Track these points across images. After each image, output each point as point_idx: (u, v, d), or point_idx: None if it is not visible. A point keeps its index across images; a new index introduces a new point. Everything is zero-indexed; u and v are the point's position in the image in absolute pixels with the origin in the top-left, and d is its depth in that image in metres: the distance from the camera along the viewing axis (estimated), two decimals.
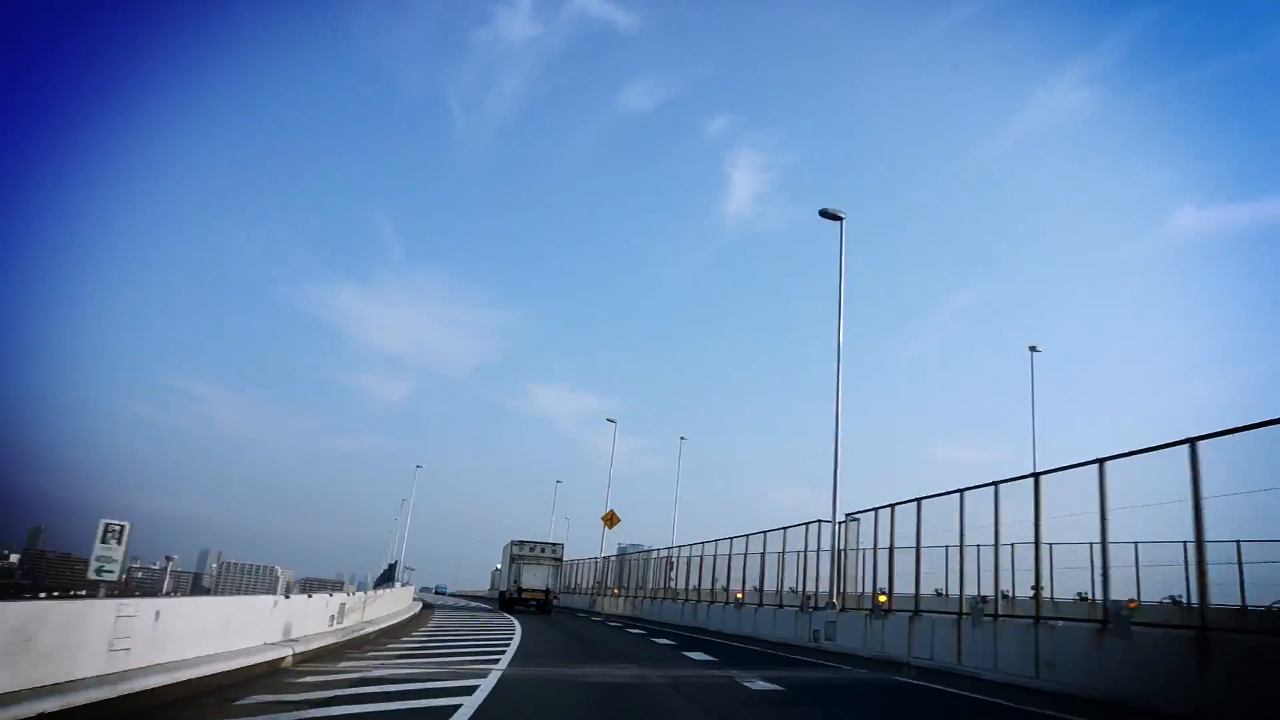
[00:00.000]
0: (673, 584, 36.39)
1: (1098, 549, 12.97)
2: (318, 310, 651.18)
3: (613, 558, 51.18)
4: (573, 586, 54.29)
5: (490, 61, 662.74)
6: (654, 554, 42.11)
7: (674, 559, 37.45)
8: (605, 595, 47.12)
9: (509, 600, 39.02)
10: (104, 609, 7.55)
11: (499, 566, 41.71)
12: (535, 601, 38.42)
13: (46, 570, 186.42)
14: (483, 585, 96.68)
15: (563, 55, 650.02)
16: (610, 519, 49.48)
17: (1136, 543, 13.91)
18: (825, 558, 22.18)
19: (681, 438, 58.93)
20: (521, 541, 40.09)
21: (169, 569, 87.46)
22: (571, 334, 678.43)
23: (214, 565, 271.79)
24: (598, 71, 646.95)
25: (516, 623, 26.65)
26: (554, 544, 40.97)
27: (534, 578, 38.81)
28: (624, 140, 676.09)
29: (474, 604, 55.78)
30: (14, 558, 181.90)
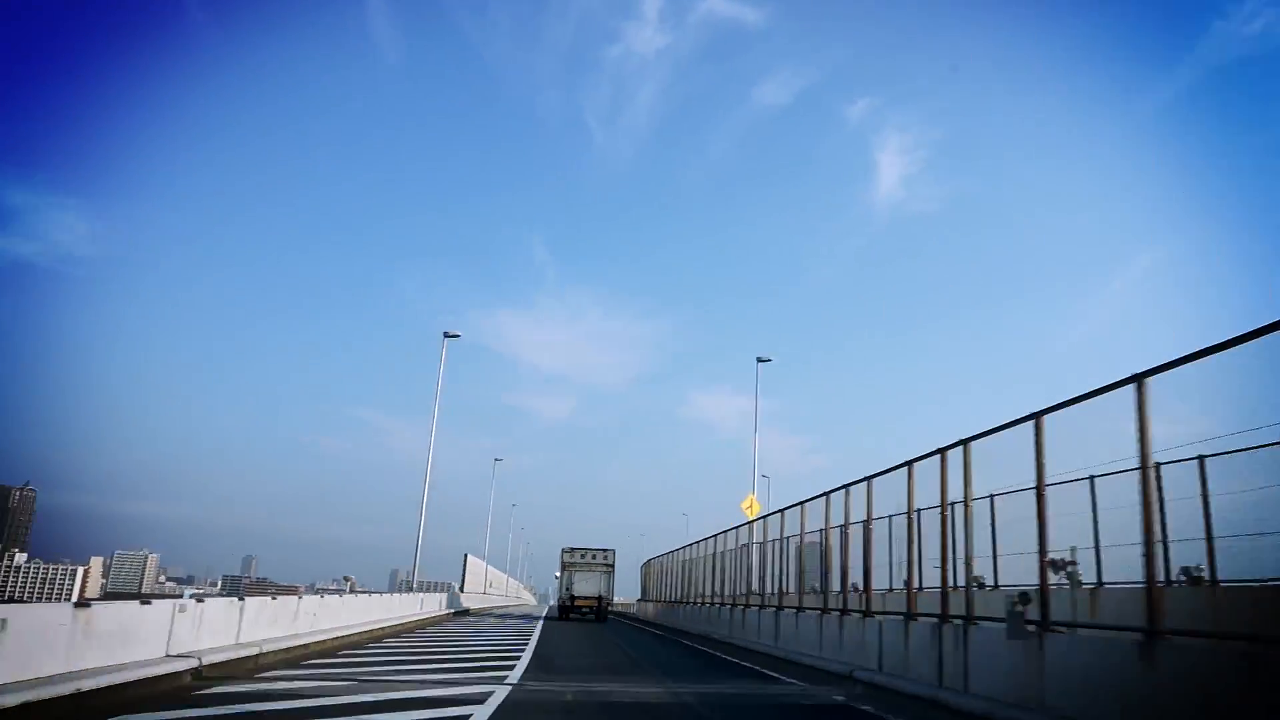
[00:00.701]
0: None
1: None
2: (481, 336, 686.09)
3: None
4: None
5: (623, 76, 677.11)
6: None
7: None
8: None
9: (564, 608, 38.96)
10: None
11: (558, 575, 40.70)
12: (588, 609, 38.30)
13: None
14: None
15: (693, 60, 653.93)
16: (750, 504, 46.87)
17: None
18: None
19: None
20: (573, 549, 39.78)
21: (346, 588, 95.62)
22: (726, 337, 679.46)
23: (400, 581, 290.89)
24: (730, 71, 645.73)
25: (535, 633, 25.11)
26: (605, 550, 39.97)
27: (586, 584, 38.87)
28: (763, 137, 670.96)
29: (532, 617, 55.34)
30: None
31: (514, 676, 12.21)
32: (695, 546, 34.12)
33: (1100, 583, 11.00)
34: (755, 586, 23.78)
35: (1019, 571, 10.63)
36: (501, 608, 58.10)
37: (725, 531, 28.67)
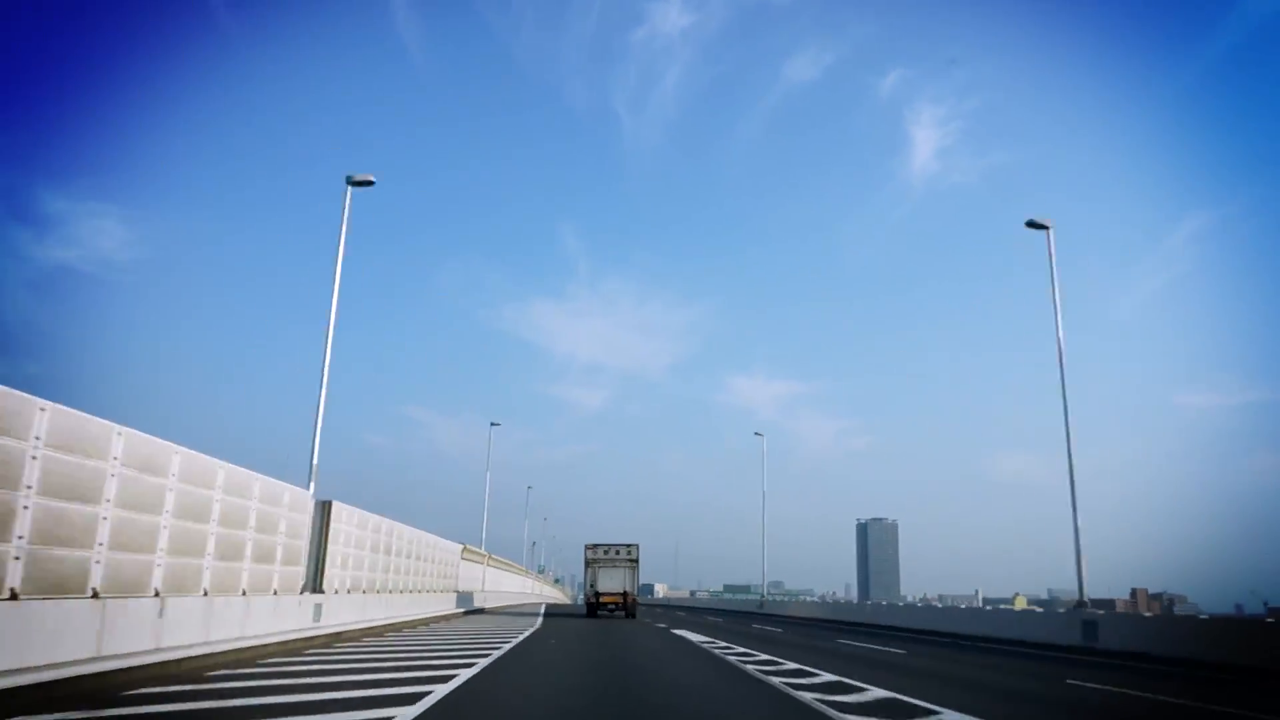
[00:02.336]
0: None
1: None
2: (518, 329, 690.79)
3: None
4: None
5: (649, 59, 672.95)
6: None
7: None
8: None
9: (590, 605, 37.93)
10: None
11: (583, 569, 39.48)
12: (615, 605, 37.13)
13: None
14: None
15: (720, 39, 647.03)
16: None
17: None
18: None
19: None
20: (595, 545, 38.19)
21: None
22: (760, 321, 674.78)
23: None
24: (758, 49, 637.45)
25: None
26: (629, 545, 38.10)
27: (610, 581, 37.40)
28: (793, 116, 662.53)
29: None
30: None
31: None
32: None
33: None
34: None
35: None
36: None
37: None
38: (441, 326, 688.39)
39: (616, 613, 37.06)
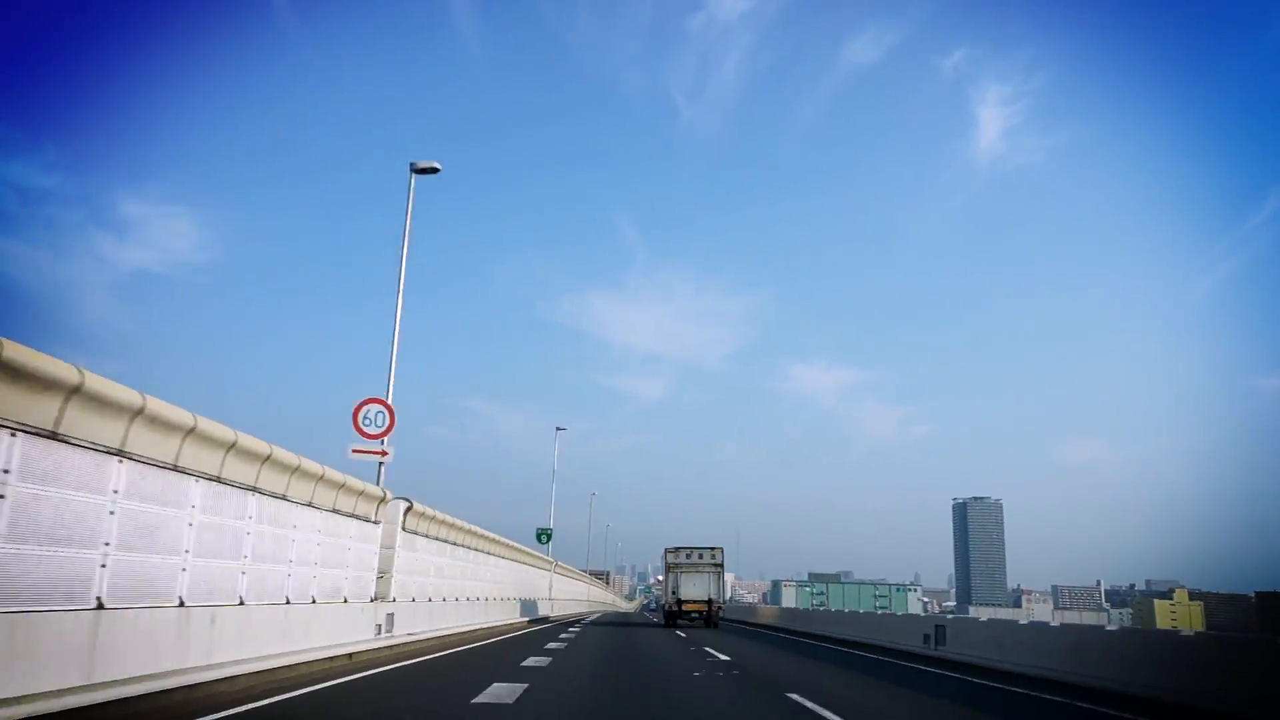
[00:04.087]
0: None
1: None
2: (576, 321, 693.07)
3: None
4: None
5: (707, 46, 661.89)
6: None
7: None
8: None
9: (670, 614, 35.11)
10: None
11: (658, 580, 37.12)
12: (698, 614, 34.33)
13: None
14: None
15: (779, 22, 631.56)
16: None
17: None
18: None
19: None
20: (677, 548, 35.74)
21: None
22: (820, 309, 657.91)
23: None
24: (817, 30, 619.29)
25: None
26: (713, 548, 35.68)
27: (693, 587, 34.87)
28: (854, 98, 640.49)
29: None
30: None
31: None
32: None
33: None
34: None
35: None
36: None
37: None
38: (500, 319, 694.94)
39: (697, 621, 34.28)
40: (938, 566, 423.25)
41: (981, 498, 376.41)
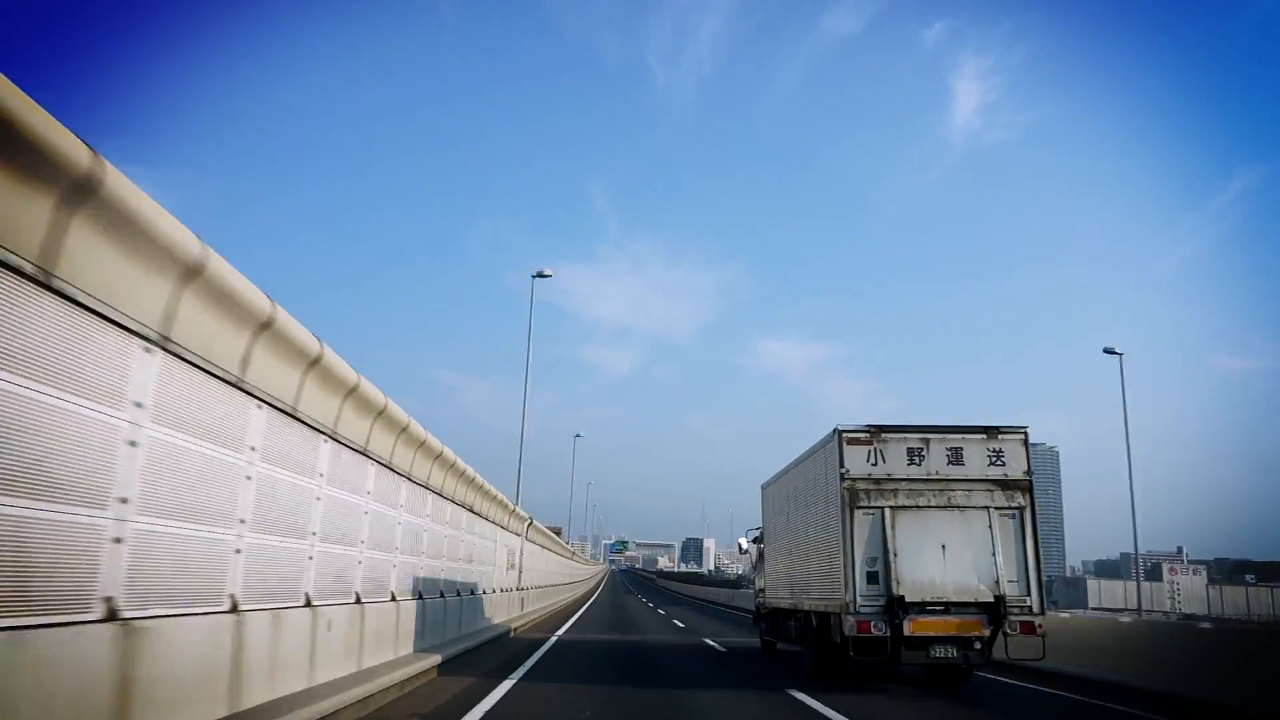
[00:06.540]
0: None
1: None
2: (544, 291, 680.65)
3: None
4: None
5: (684, 11, 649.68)
6: None
7: None
8: None
9: (828, 648, 12.15)
10: None
11: (743, 544, 20.30)
12: (955, 653, 11.73)
13: None
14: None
15: None
16: None
17: None
18: None
19: None
20: (877, 427, 10.99)
21: None
22: (791, 283, 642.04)
23: None
24: None
25: None
26: (998, 429, 12.24)
27: (950, 556, 14.43)
28: (832, 69, 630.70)
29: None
30: None
31: None
32: None
33: None
34: None
35: None
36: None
37: None
38: (469, 289, 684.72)
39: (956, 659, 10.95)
40: None
41: (1037, 443, 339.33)
